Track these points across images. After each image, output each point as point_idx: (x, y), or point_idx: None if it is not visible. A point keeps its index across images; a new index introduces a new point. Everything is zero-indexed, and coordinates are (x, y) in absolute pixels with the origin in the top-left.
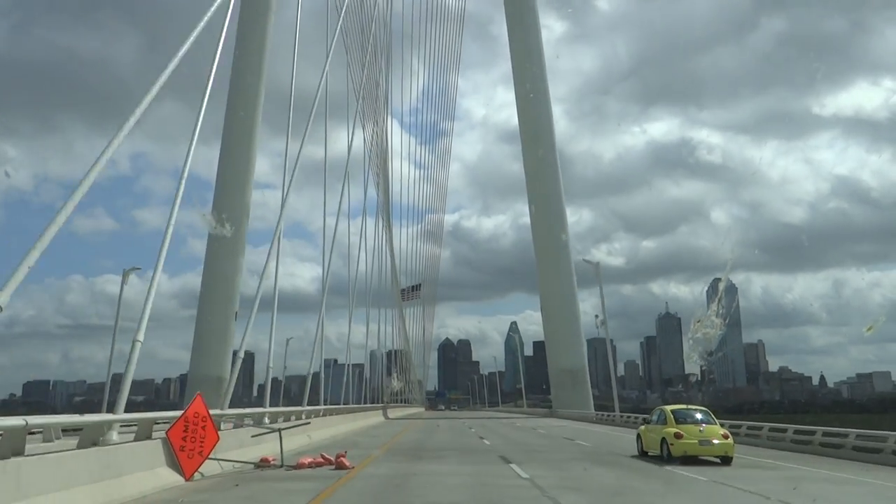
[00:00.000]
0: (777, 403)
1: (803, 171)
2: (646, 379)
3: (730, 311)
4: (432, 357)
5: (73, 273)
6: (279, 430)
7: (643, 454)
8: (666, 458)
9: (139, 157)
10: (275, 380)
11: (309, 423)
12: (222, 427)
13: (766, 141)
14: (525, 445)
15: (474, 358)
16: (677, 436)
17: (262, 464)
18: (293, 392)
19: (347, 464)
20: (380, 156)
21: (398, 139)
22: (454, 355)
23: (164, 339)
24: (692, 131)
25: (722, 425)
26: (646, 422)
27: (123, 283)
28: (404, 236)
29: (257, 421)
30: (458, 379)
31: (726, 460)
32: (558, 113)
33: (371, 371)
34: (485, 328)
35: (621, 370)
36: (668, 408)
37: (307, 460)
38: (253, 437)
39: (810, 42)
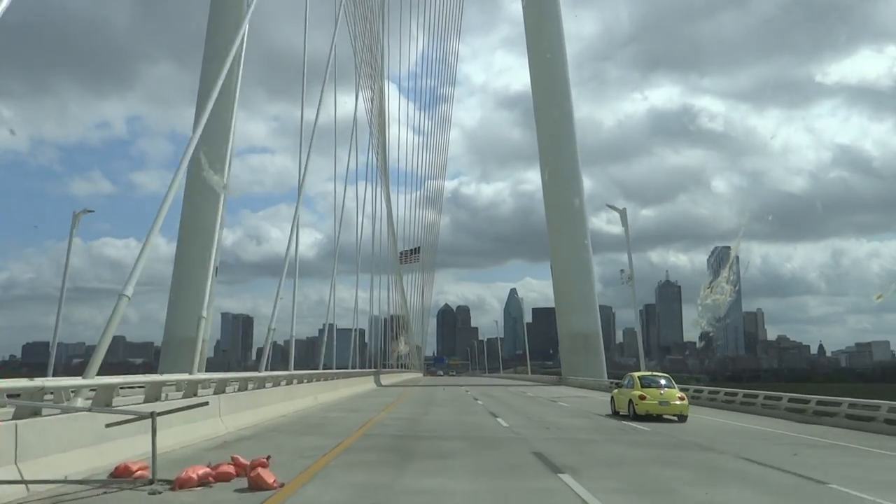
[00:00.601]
0: (776, 371)
1: (805, 140)
2: (645, 346)
3: (738, 278)
4: (431, 323)
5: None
6: (152, 416)
7: (615, 413)
8: (632, 416)
9: (135, 121)
10: (275, 344)
11: (206, 403)
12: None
13: (768, 109)
14: (560, 430)
15: (473, 324)
16: (641, 398)
17: (119, 476)
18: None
19: (269, 480)
20: (379, 120)
21: (398, 105)
22: (453, 321)
23: (164, 302)
24: (693, 98)
25: (684, 390)
26: (618, 386)
27: (73, 228)
28: (404, 203)
29: (188, 391)
30: (457, 345)
31: (682, 418)
32: None
33: (372, 336)
34: (483, 295)
35: (620, 337)
36: (637, 374)
37: (198, 472)
38: (108, 426)
39: (814, 7)
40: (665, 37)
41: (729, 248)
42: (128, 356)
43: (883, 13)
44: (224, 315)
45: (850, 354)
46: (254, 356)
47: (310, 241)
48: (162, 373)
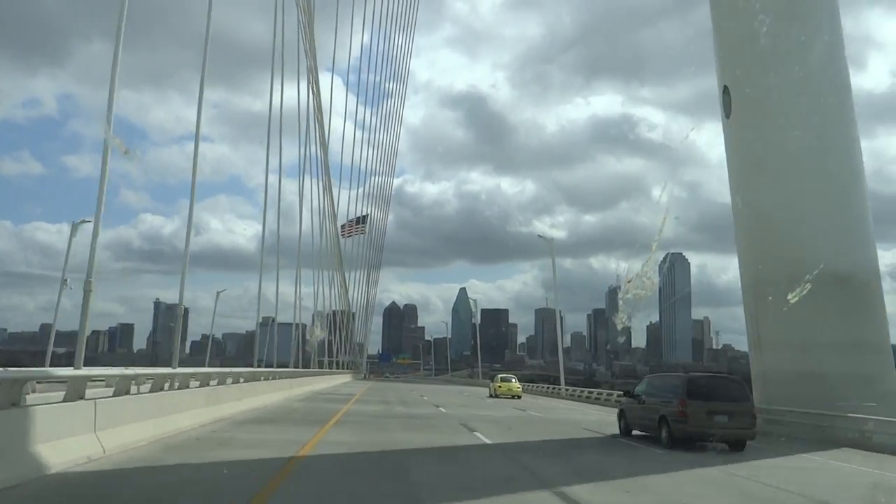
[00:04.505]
0: None
1: None
2: (593, 351)
3: (669, 279)
4: (377, 322)
5: (1, 219)
6: None
7: (491, 396)
8: (493, 396)
9: (67, 99)
10: (211, 337)
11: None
12: None
13: (706, 121)
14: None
15: (420, 323)
16: (498, 386)
17: None
18: (229, 351)
19: None
20: (320, 113)
21: (344, 98)
22: (400, 319)
23: (95, 290)
24: (634, 108)
25: (521, 384)
26: (493, 380)
27: None
28: (346, 198)
29: (71, 392)
30: (403, 344)
31: (517, 397)
32: (500, 80)
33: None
34: (428, 295)
35: (567, 342)
36: (500, 375)
37: None
38: None
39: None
40: (608, 43)
41: (681, 253)
42: (57, 345)
43: None
44: (157, 304)
45: None
46: (188, 349)
47: (250, 233)
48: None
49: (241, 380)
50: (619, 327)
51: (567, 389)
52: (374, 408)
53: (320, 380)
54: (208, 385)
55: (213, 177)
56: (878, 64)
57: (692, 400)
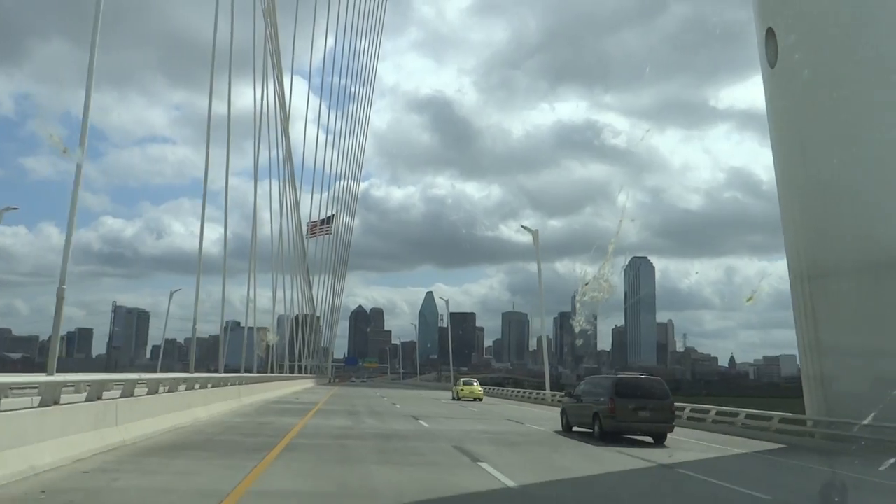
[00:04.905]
0: (692, 384)
1: (703, 160)
2: (559, 354)
3: (634, 283)
4: (343, 326)
5: None
6: None
7: (454, 399)
8: (456, 398)
9: (24, 99)
10: (173, 341)
11: None
12: None
13: (668, 128)
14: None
15: (386, 327)
16: (460, 389)
17: None
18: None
19: None
20: (284, 115)
21: (307, 101)
22: (366, 323)
23: (51, 294)
24: (599, 114)
25: (482, 387)
26: (456, 384)
27: None
28: (310, 202)
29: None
30: (370, 347)
31: (479, 399)
32: (466, 84)
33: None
34: (394, 299)
35: (534, 345)
36: (462, 378)
37: None
38: None
39: (712, 31)
40: (572, 49)
41: (646, 258)
42: (11, 350)
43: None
44: (118, 308)
45: (759, 367)
46: (148, 354)
47: (214, 236)
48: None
49: (163, 388)
50: (577, 329)
51: (553, 395)
52: (339, 422)
53: (279, 386)
54: (100, 399)
55: (175, 180)
56: None
57: (620, 398)
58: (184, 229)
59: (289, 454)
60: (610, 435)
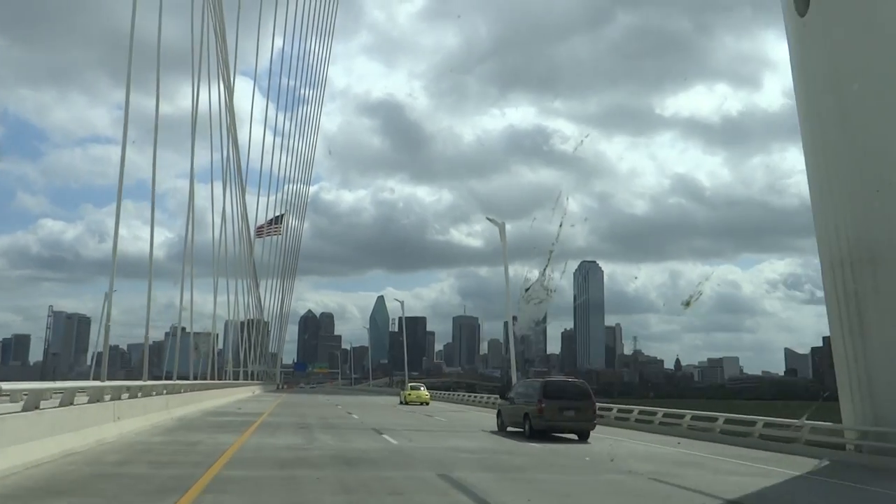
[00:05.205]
0: (639, 386)
1: (648, 166)
2: (508, 358)
3: (584, 287)
4: (292, 330)
5: None
6: None
7: (401, 404)
8: (404, 403)
9: None
10: (114, 347)
11: None
12: None
13: (615, 135)
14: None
15: (336, 332)
16: (408, 394)
17: None
18: (134, 361)
19: None
20: (231, 116)
21: (253, 102)
22: (316, 328)
23: None
24: (548, 120)
25: (429, 392)
26: (403, 388)
27: None
28: (257, 204)
29: None
30: (319, 353)
31: (426, 404)
32: (417, 88)
33: (225, 343)
34: (344, 303)
35: (485, 349)
36: (410, 384)
37: None
38: None
39: (657, 40)
40: (522, 56)
41: (595, 262)
42: None
43: (716, 51)
44: (57, 314)
45: (703, 369)
46: (89, 360)
47: (159, 239)
48: None
49: (48, 402)
50: (519, 335)
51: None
52: (286, 439)
53: (221, 394)
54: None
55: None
56: None
57: (548, 400)
58: (127, 232)
59: (211, 500)
60: (539, 433)
